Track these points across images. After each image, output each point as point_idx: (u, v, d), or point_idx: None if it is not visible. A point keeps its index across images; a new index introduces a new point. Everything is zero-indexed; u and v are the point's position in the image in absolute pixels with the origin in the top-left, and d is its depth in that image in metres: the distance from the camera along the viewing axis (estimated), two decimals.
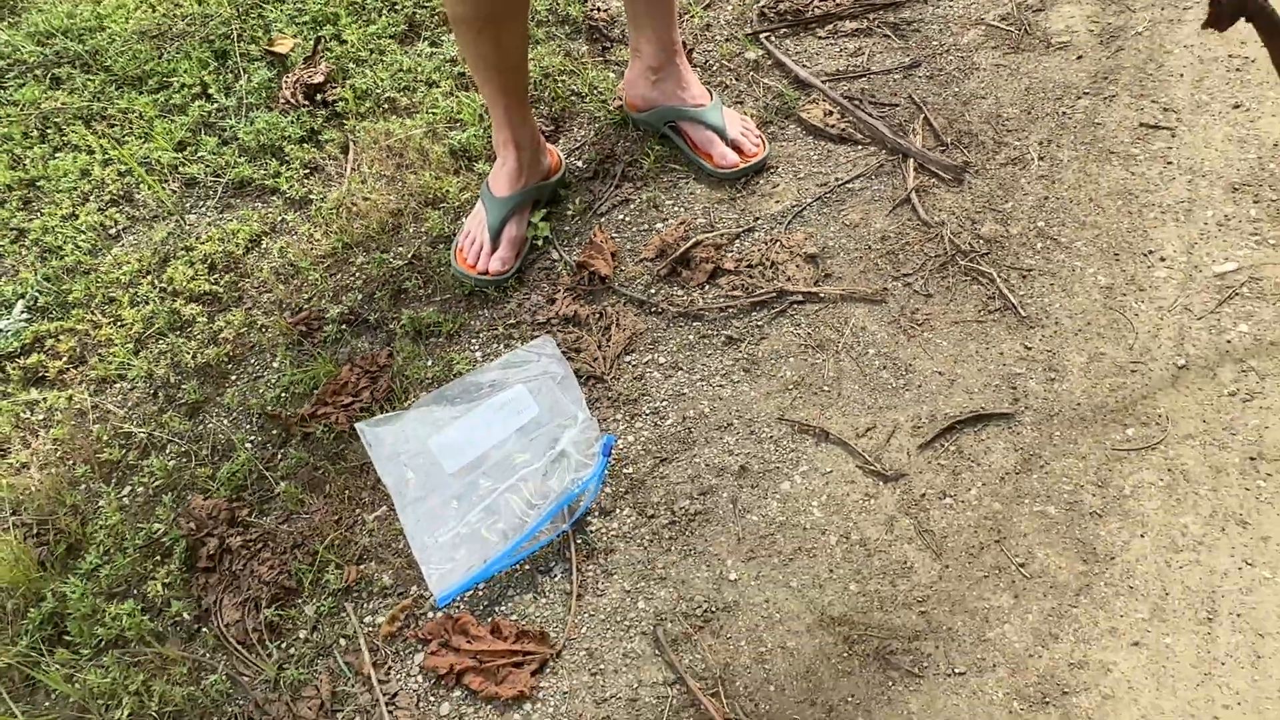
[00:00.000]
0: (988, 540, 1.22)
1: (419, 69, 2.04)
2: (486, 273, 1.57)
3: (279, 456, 1.46)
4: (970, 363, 1.38)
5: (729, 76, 1.89)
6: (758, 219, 1.63)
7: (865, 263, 1.54)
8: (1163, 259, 1.44)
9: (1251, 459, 1.23)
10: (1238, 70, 1.68)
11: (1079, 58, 1.77)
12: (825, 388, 1.39)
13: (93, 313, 1.71)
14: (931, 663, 1.13)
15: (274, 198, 1.86)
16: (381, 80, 2.02)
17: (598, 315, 1.54)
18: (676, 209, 1.68)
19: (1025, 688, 1.10)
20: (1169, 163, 1.57)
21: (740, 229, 1.62)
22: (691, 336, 1.50)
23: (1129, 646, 1.11)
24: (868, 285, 1.50)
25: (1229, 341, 1.34)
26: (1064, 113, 1.68)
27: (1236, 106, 1.63)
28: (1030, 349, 1.38)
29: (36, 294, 1.75)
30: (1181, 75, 1.70)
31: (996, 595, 1.17)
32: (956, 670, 1.12)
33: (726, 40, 1.97)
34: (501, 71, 1.51)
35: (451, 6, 1.44)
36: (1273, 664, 1.08)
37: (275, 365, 1.58)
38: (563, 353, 1.48)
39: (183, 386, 1.58)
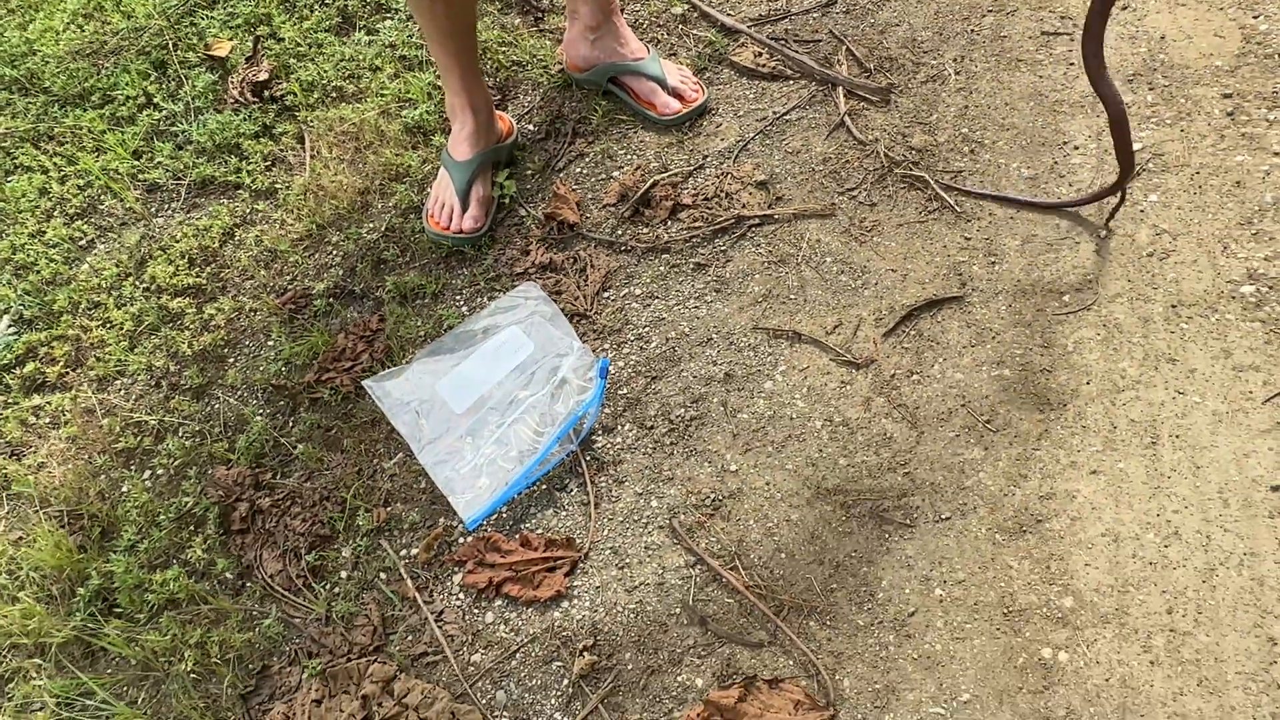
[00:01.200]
0: (955, 405, 1.36)
1: (360, 56, 2.11)
2: (461, 231, 1.66)
3: (291, 423, 1.55)
4: (918, 258, 1.53)
5: (660, 32, 2.01)
6: (707, 156, 1.75)
7: (812, 183, 1.67)
8: (1076, 147, 1.60)
9: (1173, 306, 1.39)
10: None
11: None
12: (791, 296, 1.52)
13: (81, 318, 1.77)
14: (920, 513, 1.27)
15: (240, 192, 1.92)
16: (325, 71, 2.09)
17: (572, 260, 1.65)
18: (630, 157, 1.79)
19: (1004, 522, 1.25)
20: (1071, 64, 1.73)
21: (692, 167, 1.74)
22: (662, 268, 1.61)
23: (1088, 475, 1.26)
24: (816, 203, 1.63)
25: (1142, 210, 1.50)
26: (973, 30, 1.83)
27: (1125, 8, 1.79)
28: (970, 239, 1.53)
29: (20, 308, 1.80)
30: None
31: (969, 450, 1.31)
32: (943, 516, 1.26)
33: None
34: (454, 37, 1.60)
35: None
36: (1210, 472, 1.24)
37: (271, 343, 1.66)
38: (546, 294, 1.59)
39: (184, 373, 1.64)
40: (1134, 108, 1.63)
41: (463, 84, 1.66)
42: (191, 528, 1.44)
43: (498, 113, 1.80)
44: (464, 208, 1.67)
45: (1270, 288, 1.37)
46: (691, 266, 1.60)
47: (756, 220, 1.63)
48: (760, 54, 1.90)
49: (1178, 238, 1.46)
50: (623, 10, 2.01)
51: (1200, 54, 1.68)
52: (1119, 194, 1.43)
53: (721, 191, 1.68)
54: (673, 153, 1.78)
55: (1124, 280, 1.43)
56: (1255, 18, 1.72)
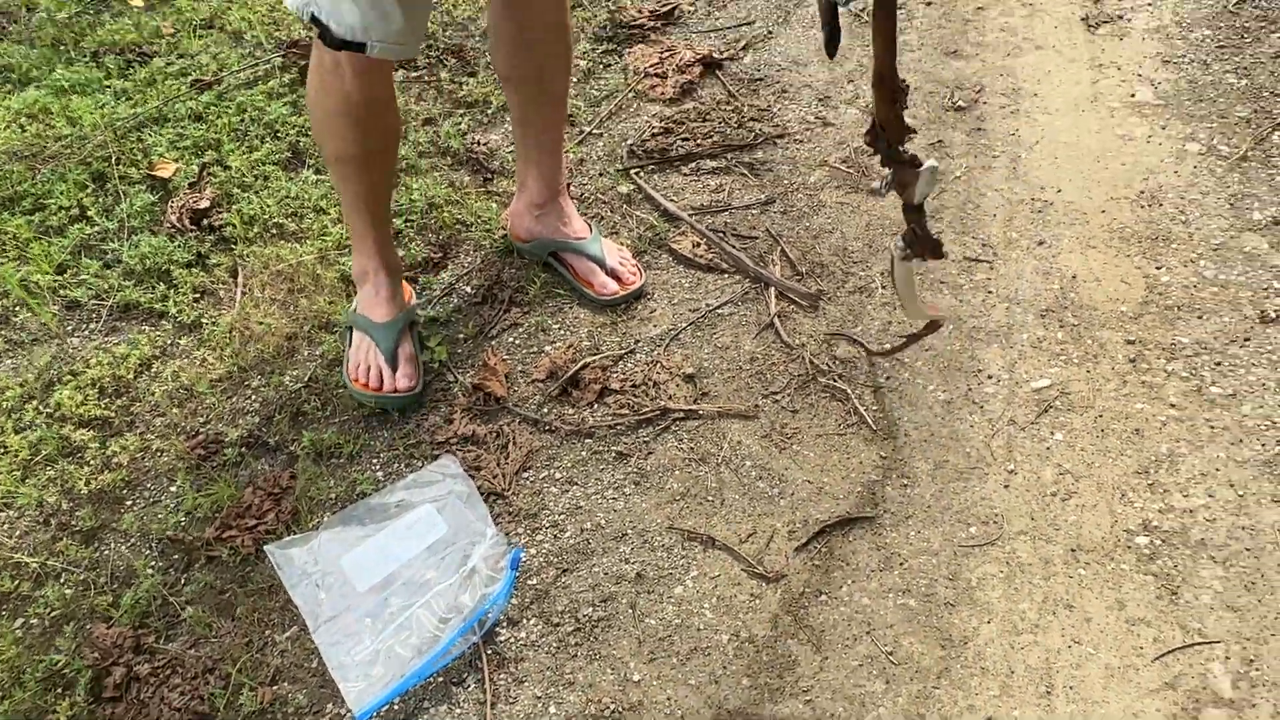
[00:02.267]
0: (859, 632, 1.37)
1: (305, 195, 2.13)
2: (396, 391, 1.65)
3: (183, 581, 1.49)
4: (835, 471, 1.56)
5: (604, 209, 2.07)
6: (638, 341, 1.79)
7: (738, 382, 1.71)
8: (990, 376, 1.67)
9: (1073, 550, 1.44)
10: (1039, 212, 1.97)
11: None
12: (709, 498, 1.54)
13: None
14: None
15: (163, 321, 1.89)
16: (268, 206, 2.10)
17: (495, 434, 1.65)
18: (563, 333, 1.82)
19: None
20: (990, 291, 1.82)
21: (623, 350, 1.77)
22: (584, 453, 1.62)
23: None
24: (741, 403, 1.67)
25: (1048, 448, 1.57)
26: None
27: (1040, 243, 1.91)
28: (885, 458, 1.57)
29: None
30: (994, 215, 1.98)
31: (871, 682, 1.32)
32: None
33: (600, 175, 2.15)
34: (372, 204, 1.63)
35: (330, 145, 1.56)
36: None
37: (174, 490, 1.60)
38: (464, 471, 1.58)
39: (76, 514, 1.58)
40: (1044, 343, 1.72)
41: (378, 248, 1.68)
42: (59, 690, 1.36)
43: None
44: (393, 368, 1.66)
45: (1163, 541, 1.44)
46: (613, 455, 1.61)
47: (681, 414, 1.66)
48: (699, 244, 1.96)
49: (1080, 480, 1.52)
50: (570, 188, 2.06)
51: (1108, 298, 1.79)
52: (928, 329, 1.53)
53: (650, 380, 1.71)
54: (605, 333, 1.81)
55: (1028, 518, 1.48)
56: (1158, 268, 1.84)
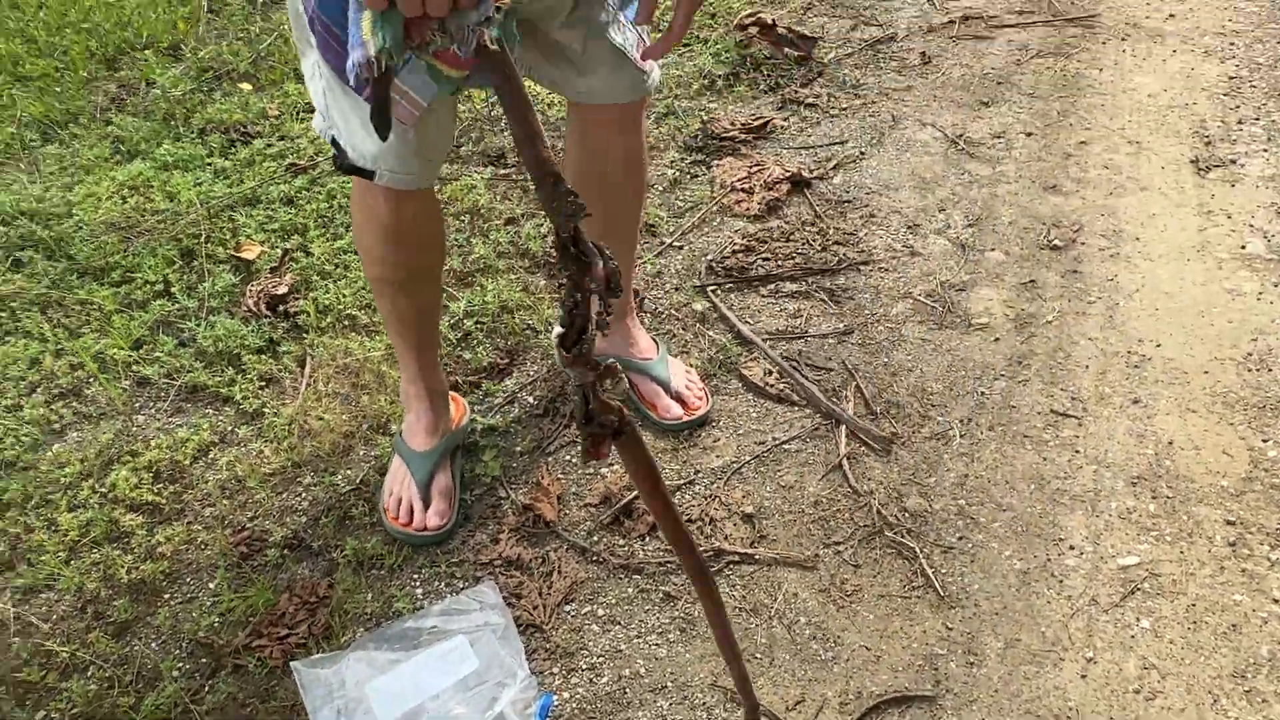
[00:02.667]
0: None
1: None
2: (425, 529, 1.60)
3: (207, 689, 1.44)
4: (895, 639, 1.45)
5: (676, 325, 2.02)
6: (698, 472, 1.72)
7: (799, 527, 1.62)
8: (1072, 547, 1.56)
9: None
10: (1136, 367, 1.86)
11: (996, 340, 1.94)
12: (758, 654, 1.45)
13: (28, 514, 1.69)
14: None
15: (227, 407, 1.89)
16: (344, 296, 2.10)
17: (540, 560, 1.59)
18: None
19: None
20: (1076, 451, 1.71)
21: (682, 481, 1.70)
22: (631, 590, 1.54)
23: None
24: (800, 551, 1.58)
25: (1133, 637, 1.44)
26: (983, 392, 1.83)
27: (1136, 402, 1.79)
28: (951, 630, 1.46)
29: None
30: (1086, 366, 1.87)
31: None
32: None
33: (675, 289, 2.11)
34: (416, 328, 1.60)
35: (369, 268, 1.55)
36: None
37: (212, 587, 1.57)
38: (504, 597, 1.51)
39: (114, 603, 1.56)
40: (1134, 515, 1.60)
41: (420, 372, 1.64)
42: None
43: (452, 394, 1.76)
44: (425, 503, 1.61)
45: None
46: (661, 596, 1.53)
47: (736, 558, 1.58)
48: (771, 372, 1.89)
49: (1166, 677, 1.38)
50: (641, 300, 2.02)
51: (1207, 469, 1.66)
52: None
53: (707, 516, 1.63)
54: (665, 460, 1.74)
55: (1106, 716, 1.35)
56: (1264, 441, 1.71)
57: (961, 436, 1.75)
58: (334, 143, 1.34)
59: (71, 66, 2.93)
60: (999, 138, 2.55)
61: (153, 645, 1.50)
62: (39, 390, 1.93)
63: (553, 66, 1.42)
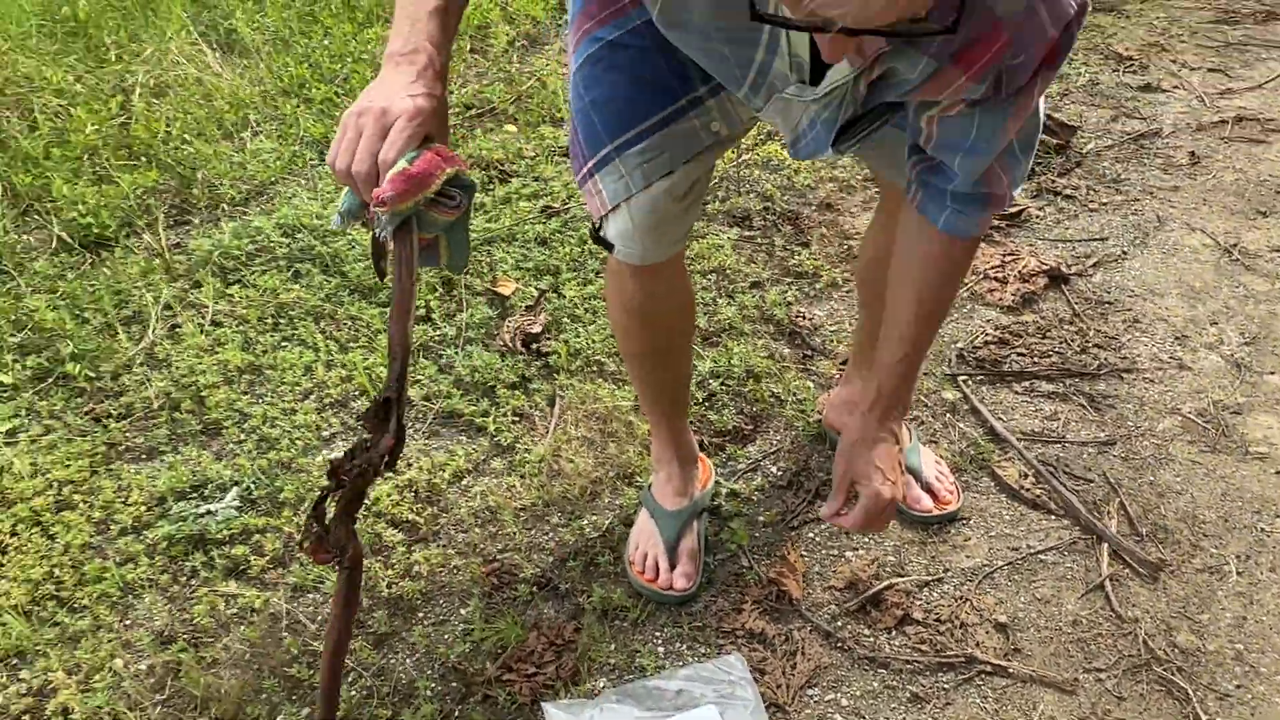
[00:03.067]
0: None
1: None
2: (671, 588, 1.61)
3: (457, 714, 1.49)
4: None
5: (925, 412, 1.98)
6: (948, 570, 1.67)
7: (1056, 645, 1.55)
8: None
9: None
10: None
11: (1277, 472, 1.82)
12: None
13: (299, 516, 1.80)
14: None
15: (480, 437, 1.96)
16: (594, 342, 2.16)
17: (784, 638, 1.57)
18: (868, 541, 1.73)
19: None
20: None
21: (930, 577, 1.66)
22: (875, 684, 1.51)
23: None
24: (1058, 671, 1.51)
25: None
26: (1263, 529, 1.71)
27: None
28: None
29: (251, 484, 1.85)
30: None
31: None
32: None
33: (925, 374, 2.07)
34: (664, 400, 1.63)
35: (621, 343, 1.58)
36: None
37: (464, 613, 1.63)
38: (750, 675, 1.51)
39: (374, 614, 1.63)
40: None
41: (671, 437, 1.67)
42: None
43: (699, 456, 1.77)
44: (671, 563, 1.63)
45: None
46: (907, 696, 1.49)
47: (989, 668, 1.52)
48: (1026, 475, 1.83)
49: None
50: None
51: None
52: None
53: (957, 618, 1.58)
54: (913, 552, 1.71)
55: None
56: None
57: (1239, 574, 1.64)
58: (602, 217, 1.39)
59: (352, 93, 3.15)
60: (1279, 251, 2.40)
61: (408, 661, 1.57)
62: (311, 397, 2.06)
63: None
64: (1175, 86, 3.15)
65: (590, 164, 1.33)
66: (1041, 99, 1.14)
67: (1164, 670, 1.50)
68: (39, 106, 2.83)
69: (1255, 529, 1.72)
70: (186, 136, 2.82)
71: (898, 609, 1.60)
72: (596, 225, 1.40)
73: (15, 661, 1.60)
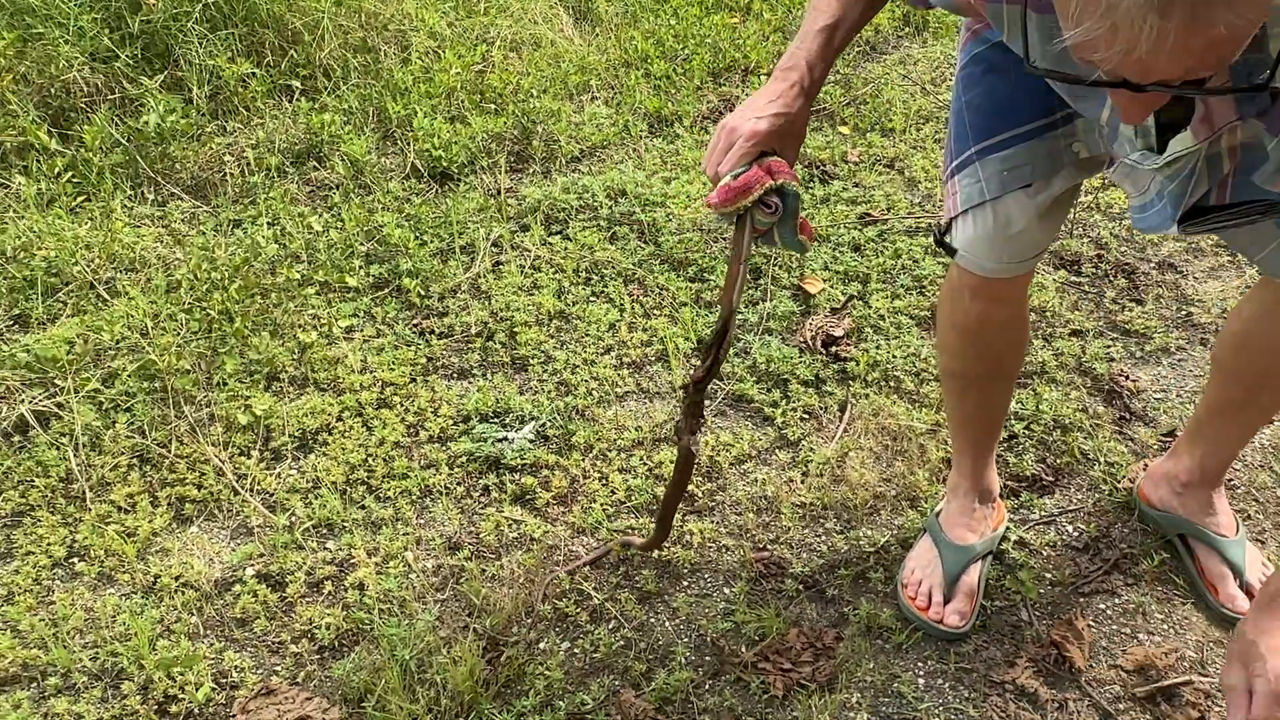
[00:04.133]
0: None
1: (933, 361, 2.10)
2: (941, 622, 1.55)
3: (708, 688, 1.50)
4: None
5: (1254, 507, 1.80)
6: None
7: None
8: None
9: None
10: None
11: None
12: None
13: (589, 461, 1.88)
14: None
15: (767, 426, 1.97)
16: (895, 357, 2.11)
17: (1057, 705, 1.48)
18: (1167, 629, 1.59)
19: None
20: None
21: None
22: None
23: None
24: None
25: None
26: None
27: None
28: None
29: (547, 421, 1.95)
30: None
31: None
32: None
33: (1261, 466, 1.88)
34: (978, 427, 1.55)
35: (947, 361, 1.51)
36: None
37: (728, 593, 1.64)
38: None
39: (643, 571, 1.67)
40: None
41: (974, 467, 1.60)
42: None
43: (996, 496, 1.68)
44: (947, 597, 1.56)
45: None
46: None
47: None
48: None
49: None
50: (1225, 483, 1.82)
51: None
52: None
53: None
54: (1218, 654, 1.55)
55: None
56: None
57: None
58: (951, 219, 1.36)
59: (690, 74, 3.23)
60: None
61: (668, 624, 1.60)
62: (611, 353, 2.14)
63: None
64: None
65: (955, 163, 1.31)
66: None
67: None
68: (415, 44, 3.09)
69: None
70: (534, 92, 3.00)
71: (1193, 709, 1.46)
72: (944, 228, 1.37)
73: (325, 531, 1.76)
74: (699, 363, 1.32)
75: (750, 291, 2.32)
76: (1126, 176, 1.16)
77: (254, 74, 2.85)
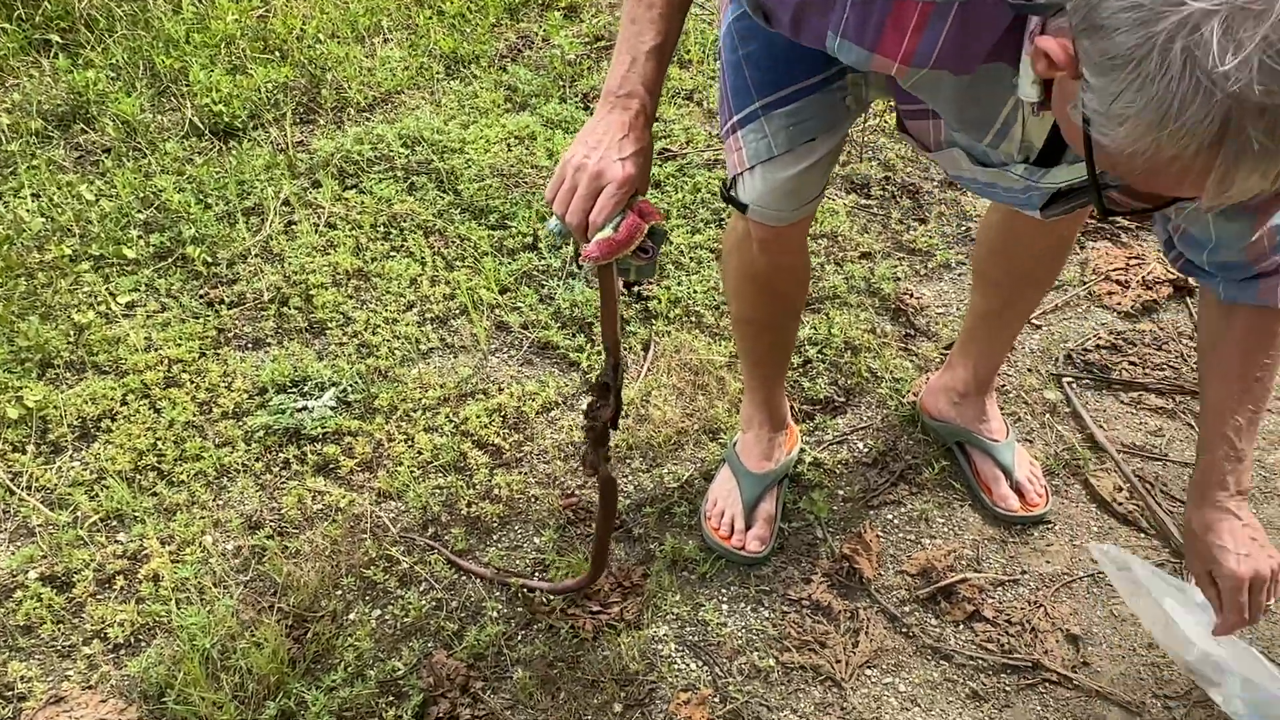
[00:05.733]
0: None
1: None
2: (743, 548, 1.62)
3: (520, 639, 1.53)
4: None
5: (1023, 409, 1.94)
6: (1025, 573, 1.64)
7: (1127, 664, 1.52)
8: None
9: None
10: None
11: None
12: None
13: (392, 425, 1.85)
14: None
15: (573, 371, 1.98)
16: (695, 293, 2.15)
17: (849, 614, 1.57)
18: (947, 531, 1.71)
19: None
20: None
21: (1006, 577, 1.63)
22: (936, 675, 1.50)
23: None
24: (1126, 692, 1.48)
25: None
26: None
27: None
28: None
29: (348, 386, 1.91)
30: None
31: None
32: None
33: (1029, 370, 2.02)
34: (767, 365, 1.63)
35: (737, 308, 1.57)
36: None
37: (538, 542, 1.67)
38: (806, 642, 1.51)
39: (451, 530, 1.68)
40: None
41: (767, 398, 1.67)
42: (391, 698, 1.44)
43: (790, 422, 1.76)
44: (747, 524, 1.63)
45: None
46: (967, 692, 1.48)
47: (1054, 677, 1.50)
48: (1121, 489, 1.78)
49: None
50: (998, 389, 1.95)
51: None
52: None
53: (1028, 622, 1.56)
54: (992, 550, 1.68)
55: None
56: None
57: None
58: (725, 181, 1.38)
59: (484, 10, 3.15)
60: None
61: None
62: (413, 310, 2.10)
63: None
64: None
65: (736, 118, 1.32)
66: None
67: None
68: None
69: None
70: (320, 36, 2.86)
71: (969, 604, 1.58)
72: (729, 183, 1.39)
73: (114, 524, 1.68)
74: (592, 399, 1.29)
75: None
76: (996, 177, 1.18)
77: (2, 29, 2.61)
